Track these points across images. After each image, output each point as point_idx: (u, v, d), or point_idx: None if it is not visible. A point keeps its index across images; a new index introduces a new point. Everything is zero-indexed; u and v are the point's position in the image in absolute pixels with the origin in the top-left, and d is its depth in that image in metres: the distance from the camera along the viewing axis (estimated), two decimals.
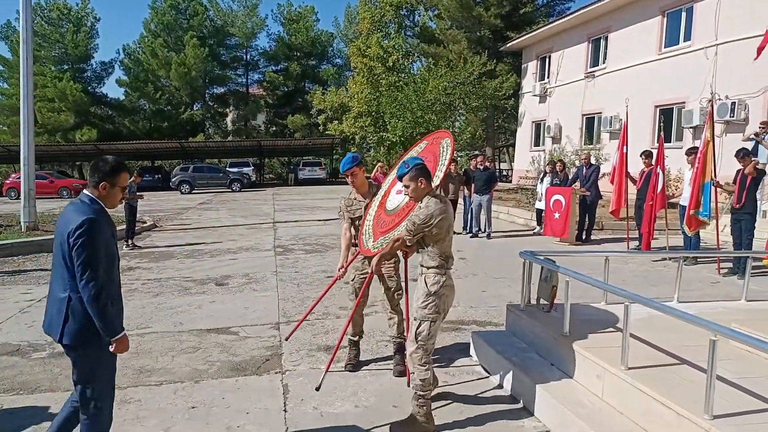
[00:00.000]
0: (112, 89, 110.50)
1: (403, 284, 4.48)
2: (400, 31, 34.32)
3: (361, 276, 4.47)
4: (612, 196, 10.05)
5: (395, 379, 4.39)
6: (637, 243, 9.78)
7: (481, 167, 12.33)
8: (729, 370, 3.35)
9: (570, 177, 11.90)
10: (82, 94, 38.78)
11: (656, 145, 9.45)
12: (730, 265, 8.41)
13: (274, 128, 47.19)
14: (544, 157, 19.25)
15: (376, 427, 3.63)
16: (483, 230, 12.00)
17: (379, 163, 14.06)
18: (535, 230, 12.61)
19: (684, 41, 16.72)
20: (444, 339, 5.35)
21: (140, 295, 7.14)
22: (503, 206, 15.72)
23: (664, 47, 17.54)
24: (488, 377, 4.45)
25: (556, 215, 11.10)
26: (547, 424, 3.62)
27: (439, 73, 23.68)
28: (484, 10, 28.07)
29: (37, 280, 8.10)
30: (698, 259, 9.04)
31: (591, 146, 18.95)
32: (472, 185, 12.16)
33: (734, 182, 8.26)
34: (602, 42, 20.70)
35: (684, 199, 8.85)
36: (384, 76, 27.10)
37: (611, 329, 4.27)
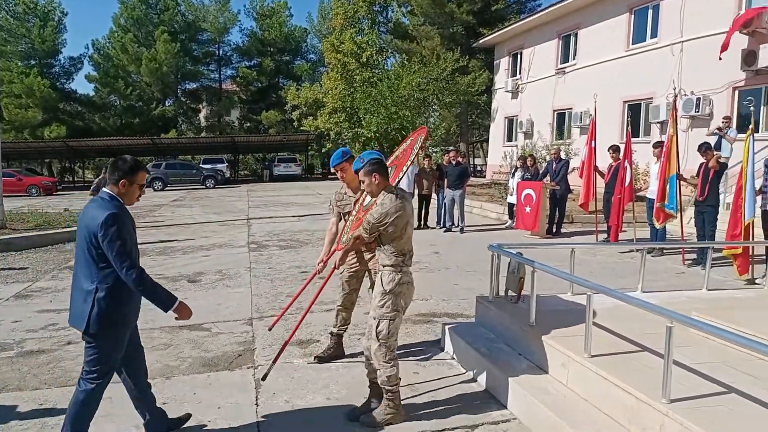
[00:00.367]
0: (81, 85, 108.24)
1: None
2: (373, 27, 34.41)
3: (351, 270, 4.55)
4: (581, 190, 10.25)
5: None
6: (605, 235, 10.01)
7: (454, 162, 12.44)
8: (687, 356, 3.48)
9: (540, 171, 12.10)
10: (50, 90, 37.88)
11: (624, 140, 9.66)
12: (695, 256, 8.68)
13: (248, 124, 46.71)
14: (517, 153, 19.47)
15: (349, 420, 3.67)
16: (456, 225, 12.09)
17: None
18: (507, 224, 12.80)
19: (651, 38, 17.08)
20: (416, 331, 5.43)
21: None
22: (476, 201, 15.86)
23: (632, 44, 17.90)
24: (458, 368, 4.53)
25: (527, 209, 11.27)
26: (514, 412, 3.71)
27: (413, 69, 23.73)
28: (457, 7, 28.30)
29: (5, 279, 7.94)
30: (664, 251, 9.28)
31: (561, 141, 19.26)
32: (446, 180, 12.29)
33: (697, 176, 8.50)
34: (572, 39, 21.00)
35: (651, 192, 9.09)
36: (358, 72, 27.10)
37: (576, 319, 4.37)
